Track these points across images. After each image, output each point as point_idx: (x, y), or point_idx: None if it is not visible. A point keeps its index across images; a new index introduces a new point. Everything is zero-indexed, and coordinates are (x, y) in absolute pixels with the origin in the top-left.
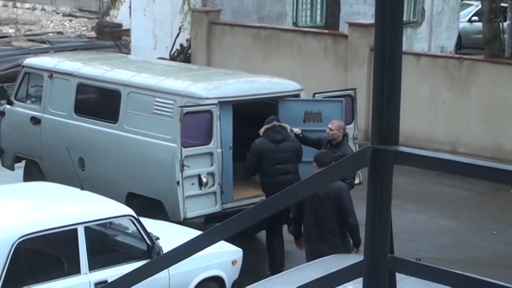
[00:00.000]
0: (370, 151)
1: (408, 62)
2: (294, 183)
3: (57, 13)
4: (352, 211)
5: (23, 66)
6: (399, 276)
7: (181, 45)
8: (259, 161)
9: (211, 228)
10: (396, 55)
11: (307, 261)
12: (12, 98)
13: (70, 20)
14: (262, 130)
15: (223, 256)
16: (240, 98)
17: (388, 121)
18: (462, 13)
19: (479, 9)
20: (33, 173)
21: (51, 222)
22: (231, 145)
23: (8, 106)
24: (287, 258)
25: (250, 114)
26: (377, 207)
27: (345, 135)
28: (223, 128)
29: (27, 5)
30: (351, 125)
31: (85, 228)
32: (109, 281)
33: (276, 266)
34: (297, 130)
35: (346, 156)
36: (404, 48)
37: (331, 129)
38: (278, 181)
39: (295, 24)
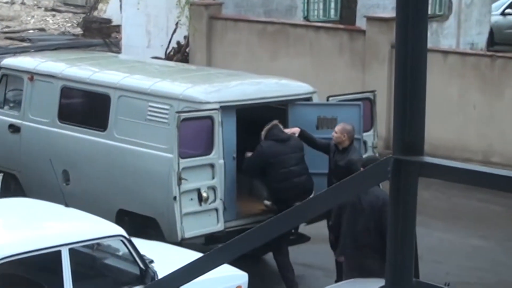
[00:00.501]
0: (392, 162)
1: (434, 61)
2: (308, 186)
3: (39, 8)
4: None
5: (0, 68)
6: None
7: (178, 42)
8: (263, 166)
9: (213, 250)
10: (420, 52)
11: (344, 278)
12: None
13: (53, 15)
14: (263, 133)
15: (226, 282)
16: (245, 102)
17: (412, 128)
18: (494, 5)
19: None
20: (12, 187)
21: (31, 243)
22: (234, 155)
23: None
24: (300, 283)
25: (256, 121)
26: (400, 225)
27: (353, 140)
28: (225, 136)
29: None
30: (370, 132)
31: (70, 250)
32: None
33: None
34: (295, 129)
35: (352, 164)
36: (429, 45)
37: (335, 132)
38: (293, 184)
39: (306, 18)
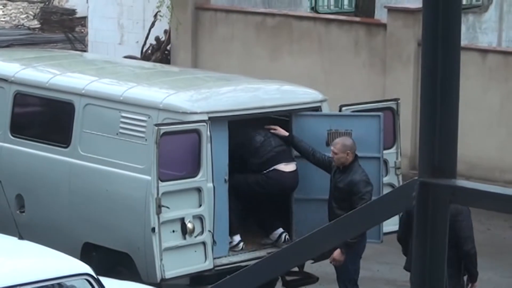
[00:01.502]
0: (418, 186)
1: (469, 61)
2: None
3: None
4: (470, 237)
5: None
6: None
7: (157, 38)
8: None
9: None
10: (452, 51)
11: None
12: None
13: (4, 5)
14: None
15: None
16: (239, 113)
17: (442, 145)
18: None
19: None
20: None
21: None
22: (226, 177)
23: None
24: None
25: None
26: (428, 260)
27: (356, 156)
28: (215, 154)
29: None
30: (392, 150)
31: None
32: None
33: None
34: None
35: (353, 185)
36: (464, 42)
37: (335, 153)
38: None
39: (313, 9)
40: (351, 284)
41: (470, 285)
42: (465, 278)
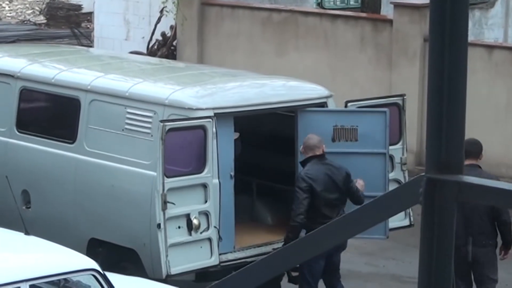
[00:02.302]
0: (424, 182)
1: (476, 57)
2: None
3: None
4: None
5: None
6: None
7: (163, 34)
8: None
9: None
10: (459, 47)
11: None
12: None
13: (11, 1)
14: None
15: None
16: (245, 109)
17: (449, 141)
18: None
19: None
20: None
21: None
22: (232, 173)
23: None
24: None
25: (258, 131)
26: (434, 258)
27: (320, 156)
28: (221, 150)
29: None
30: (398, 146)
31: (31, 287)
32: None
33: None
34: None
35: (295, 185)
36: (471, 38)
37: (301, 152)
38: None
39: (320, 5)
40: (309, 275)
41: (503, 252)
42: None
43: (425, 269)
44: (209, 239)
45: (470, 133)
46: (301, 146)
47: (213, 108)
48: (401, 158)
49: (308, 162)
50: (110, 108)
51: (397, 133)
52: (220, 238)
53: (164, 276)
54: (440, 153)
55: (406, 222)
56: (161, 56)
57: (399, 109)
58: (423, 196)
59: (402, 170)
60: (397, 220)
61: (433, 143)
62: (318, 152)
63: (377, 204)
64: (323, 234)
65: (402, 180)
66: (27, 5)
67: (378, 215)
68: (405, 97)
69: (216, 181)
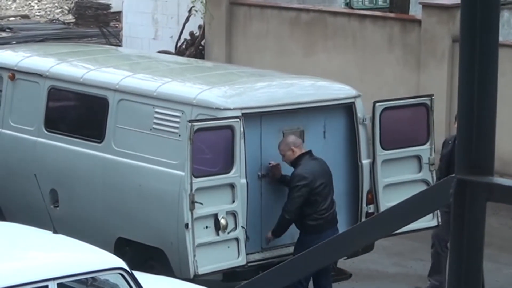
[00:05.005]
0: (455, 183)
1: (506, 58)
2: None
3: None
4: None
5: None
6: None
7: (191, 33)
8: None
9: None
10: (490, 48)
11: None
12: None
13: (39, 0)
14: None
15: None
16: (273, 109)
17: (480, 142)
18: None
19: None
20: None
21: (13, 276)
22: (260, 173)
23: None
24: None
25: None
26: (464, 258)
27: (308, 152)
28: (249, 150)
29: None
30: (426, 146)
31: (59, 285)
32: None
33: None
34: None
35: (291, 178)
36: (500, 39)
37: (282, 155)
38: None
39: (348, 5)
40: None
41: None
42: None
43: (455, 270)
44: (237, 239)
45: (500, 134)
46: (283, 149)
47: (241, 108)
48: (429, 159)
49: (300, 160)
50: (138, 107)
51: (425, 134)
52: (247, 238)
53: (191, 276)
54: (471, 154)
55: (434, 223)
56: (189, 56)
57: (427, 109)
58: (453, 197)
59: (430, 170)
60: (425, 221)
61: (464, 144)
62: (304, 150)
63: (407, 205)
64: (353, 234)
65: (430, 181)
66: (56, 4)
67: (408, 215)
68: (433, 97)
69: (243, 181)
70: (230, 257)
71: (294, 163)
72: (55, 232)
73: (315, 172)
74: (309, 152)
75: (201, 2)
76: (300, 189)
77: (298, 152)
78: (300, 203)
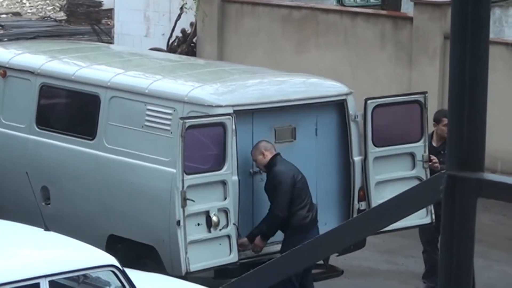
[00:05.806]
0: (445, 180)
1: (497, 55)
2: None
3: None
4: None
5: None
6: None
7: (183, 31)
8: None
9: (225, 285)
10: (481, 45)
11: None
12: None
13: None
14: None
15: None
16: (264, 106)
17: (470, 138)
18: None
19: None
20: None
21: (4, 274)
22: (251, 170)
23: None
24: None
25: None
26: (455, 255)
27: (278, 154)
28: (240, 147)
29: None
30: (420, 143)
31: (51, 282)
32: None
33: None
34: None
35: (273, 177)
36: (491, 36)
37: (254, 160)
38: None
39: (340, 2)
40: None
41: None
42: None
43: (446, 266)
44: (228, 236)
45: (489, 131)
46: (253, 154)
47: (233, 105)
48: (422, 156)
49: (274, 161)
50: (130, 105)
51: (418, 131)
52: (239, 235)
53: (183, 273)
54: (461, 151)
55: (427, 220)
56: (181, 53)
57: (421, 106)
58: (444, 193)
59: (423, 167)
60: (419, 218)
61: (454, 141)
62: (275, 152)
63: (398, 201)
64: (344, 231)
65: (424, 178)
66: (48, 2)
67: (398, 212)
68: (426, 94)
69: (235, 178)
70: (222, 254)
71: (268, 166)
72: (47, 229)
73: (292, 167)
74: (279, 154)
75: (193, 0)
76: (284, 184)
77: (269, 155)
78: (289, 199)
